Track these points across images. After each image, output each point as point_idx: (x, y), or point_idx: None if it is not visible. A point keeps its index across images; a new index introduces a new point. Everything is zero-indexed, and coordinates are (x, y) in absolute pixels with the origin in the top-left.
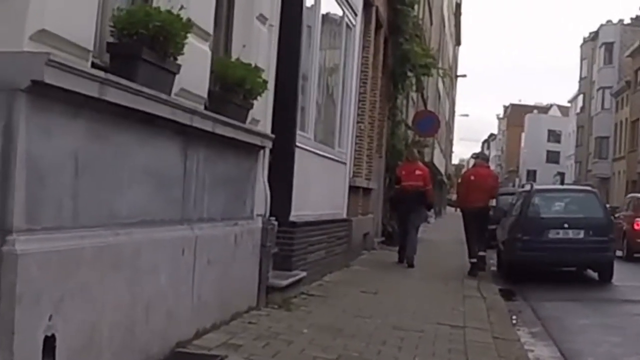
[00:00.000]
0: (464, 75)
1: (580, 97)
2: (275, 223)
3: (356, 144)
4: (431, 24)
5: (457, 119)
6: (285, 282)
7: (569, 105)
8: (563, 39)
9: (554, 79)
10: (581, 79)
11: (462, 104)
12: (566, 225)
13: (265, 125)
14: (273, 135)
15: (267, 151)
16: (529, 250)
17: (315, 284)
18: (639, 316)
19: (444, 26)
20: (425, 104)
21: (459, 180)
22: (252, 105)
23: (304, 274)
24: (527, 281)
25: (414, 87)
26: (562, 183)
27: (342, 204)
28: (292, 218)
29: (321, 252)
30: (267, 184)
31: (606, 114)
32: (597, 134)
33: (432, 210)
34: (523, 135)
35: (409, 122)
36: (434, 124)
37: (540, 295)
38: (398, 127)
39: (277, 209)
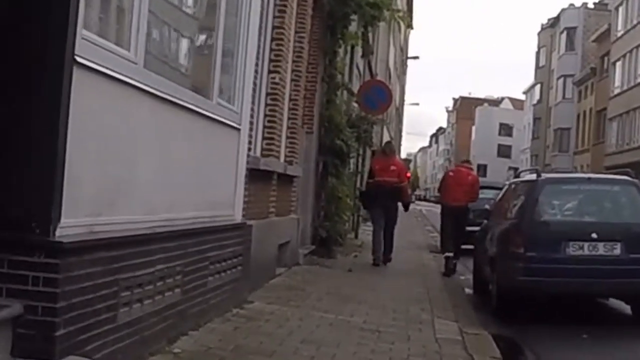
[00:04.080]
0: (417, 57)
1: (537, 87)
2: None
3: (268, 105)
4: None
5: (406, 108)
6: None
7: (521, 98)
8: (514, 33)
9: (504, 74)
10: (538, 67)
11: (410, 96)
12: (594, 236)
13: None
14: None
15: None
16: (537, 274)
17: None
18: None
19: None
20: (373, 77)
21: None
22: None
23: None
24: (528, 319)
25: (360, 39)
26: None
27: (231, 199)
28: (59, 233)
29: (170, 293)
30: None
31: (567, 104)
32: (556, 126)
33: None
34: (473, 128)
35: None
36: (385, 98)
37: (563, 354)
38: (337, 92)
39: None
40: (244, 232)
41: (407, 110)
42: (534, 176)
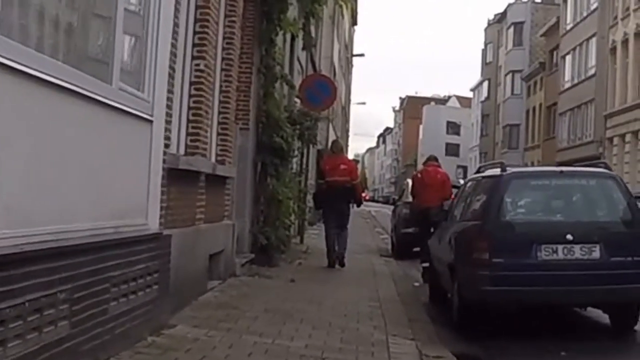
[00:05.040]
0: (362, 55)
1: (485, 83)
2: None
3: (192, 96)
4: None
5: (352, 108)
6: None
7: (468, 95)
8: (461, 30)
9: (451, 71)
10: (485, 64)
11: (357, 95)
12: (570, 237)
13: None
14: None
15: None
16: (504, 282)
17: None
18: None
19: None
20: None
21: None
22: None
23: None
24: (495, 334)
25: (299, 28)
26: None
27: (144, 205)
28: None
29: (51, 328)
30: None
31: (516, 100)
32: (505, 122)
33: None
34: (421, 127)
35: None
36: (329, 93)
37: None
38: (275, 85)
39: None
40: (160, 244)
41: (354, 110)
42: (497, 171)
